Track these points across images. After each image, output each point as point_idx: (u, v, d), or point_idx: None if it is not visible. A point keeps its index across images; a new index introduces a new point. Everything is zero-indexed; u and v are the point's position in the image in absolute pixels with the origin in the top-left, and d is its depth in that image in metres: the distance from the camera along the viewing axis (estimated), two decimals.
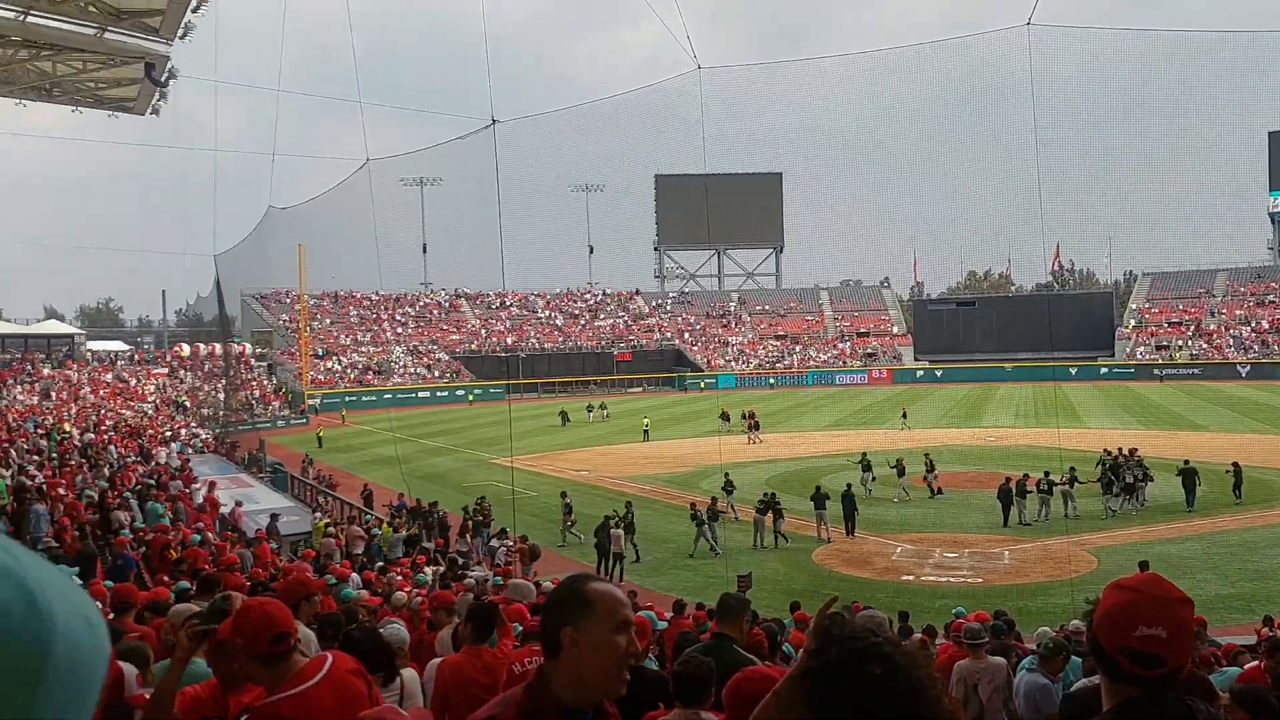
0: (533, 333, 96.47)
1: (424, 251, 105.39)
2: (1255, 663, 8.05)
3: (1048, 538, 25.06)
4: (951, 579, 21.90)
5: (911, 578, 22.13)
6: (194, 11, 20.84)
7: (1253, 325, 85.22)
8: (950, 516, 28.46)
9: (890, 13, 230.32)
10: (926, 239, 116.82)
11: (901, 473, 31.38)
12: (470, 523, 26.44)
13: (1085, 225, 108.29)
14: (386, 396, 76.07)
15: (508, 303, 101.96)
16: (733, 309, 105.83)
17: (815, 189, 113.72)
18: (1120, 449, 30.39)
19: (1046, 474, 27.42)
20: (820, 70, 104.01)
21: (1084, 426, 47.44)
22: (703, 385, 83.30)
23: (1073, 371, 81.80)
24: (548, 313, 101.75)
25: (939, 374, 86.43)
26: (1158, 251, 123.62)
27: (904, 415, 50.92)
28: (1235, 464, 28.72)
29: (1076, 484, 27.64)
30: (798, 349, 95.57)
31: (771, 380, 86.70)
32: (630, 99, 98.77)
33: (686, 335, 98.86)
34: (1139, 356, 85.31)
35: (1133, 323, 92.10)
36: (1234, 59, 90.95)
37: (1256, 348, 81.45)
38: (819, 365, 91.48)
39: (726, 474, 29.60)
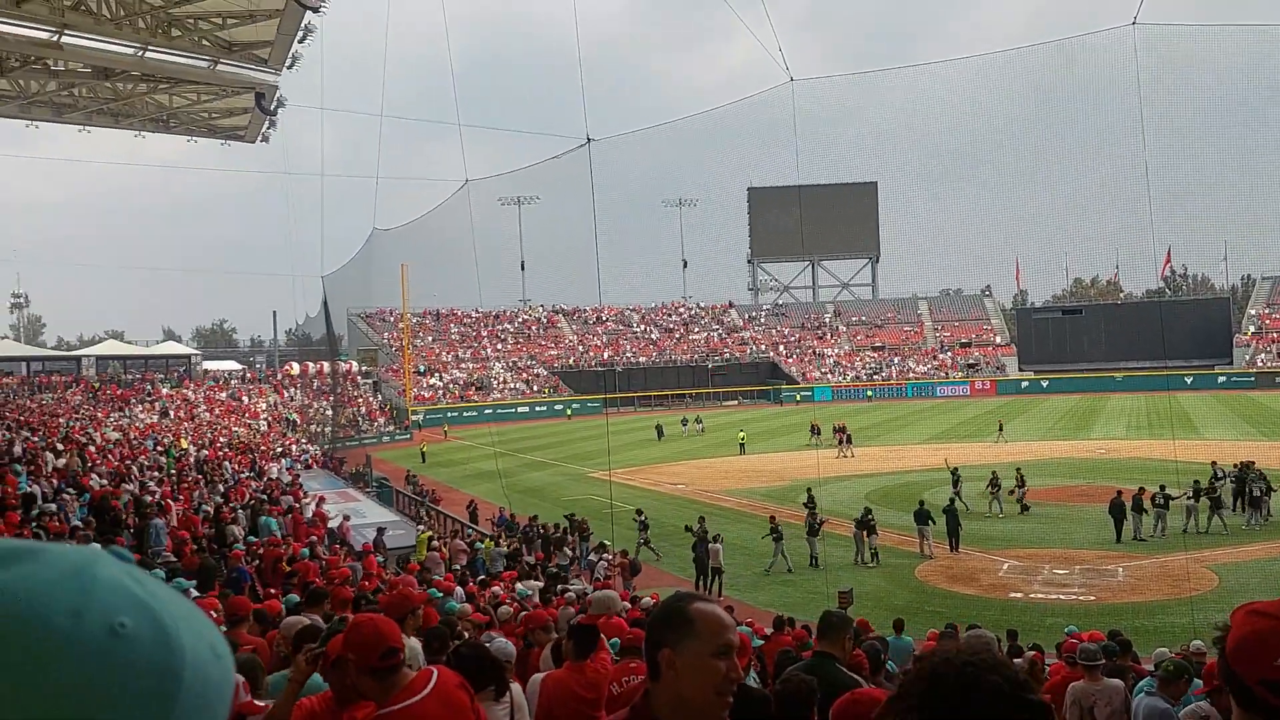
0: (628, 347, 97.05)
1: (522, 269, 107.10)
2: None
3: (1165, 554, 24.06)
4: (1062, 596, 21.19)
5: (1020, 595, 21.49)
6: (300, 42, 21.68)
7: None
8: (1058, 531, 27.56)
9: (985, 19, 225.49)
10: (1029, 246, 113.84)
11: (996, 487, 30.48)
12: (567, 536, 26.68)
13: (1198, 229, 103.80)
14: (487, 412, 77.39)
15: (604, 318, 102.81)
16: (828, 320, 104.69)
17: (911, 198, 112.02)
18: (1243, 462, 29.03)
19: (1163, 487, 26.33)
20: (914, 78, 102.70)
21: (1201, 438, 45.45)
22: (799, 398, 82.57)
23: (1188, 380, 78.48)
24: (643, 327, 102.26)
25: (1045, 385, 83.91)
26: (1278, 255, 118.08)
27: (1000, 429, 49.54)
28: None
29: (1197, 499, 26.47)
30: (896, 360, 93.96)
31: (870, 393, 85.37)
32: (722, 113, 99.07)
33: (781, 348, 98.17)
34: (1259, 364, 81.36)
35: (1252, 329, 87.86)
36: None
37: None
38: (919, 377, 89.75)
39: (809, 490, 29.04)
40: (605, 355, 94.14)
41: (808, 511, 26.62)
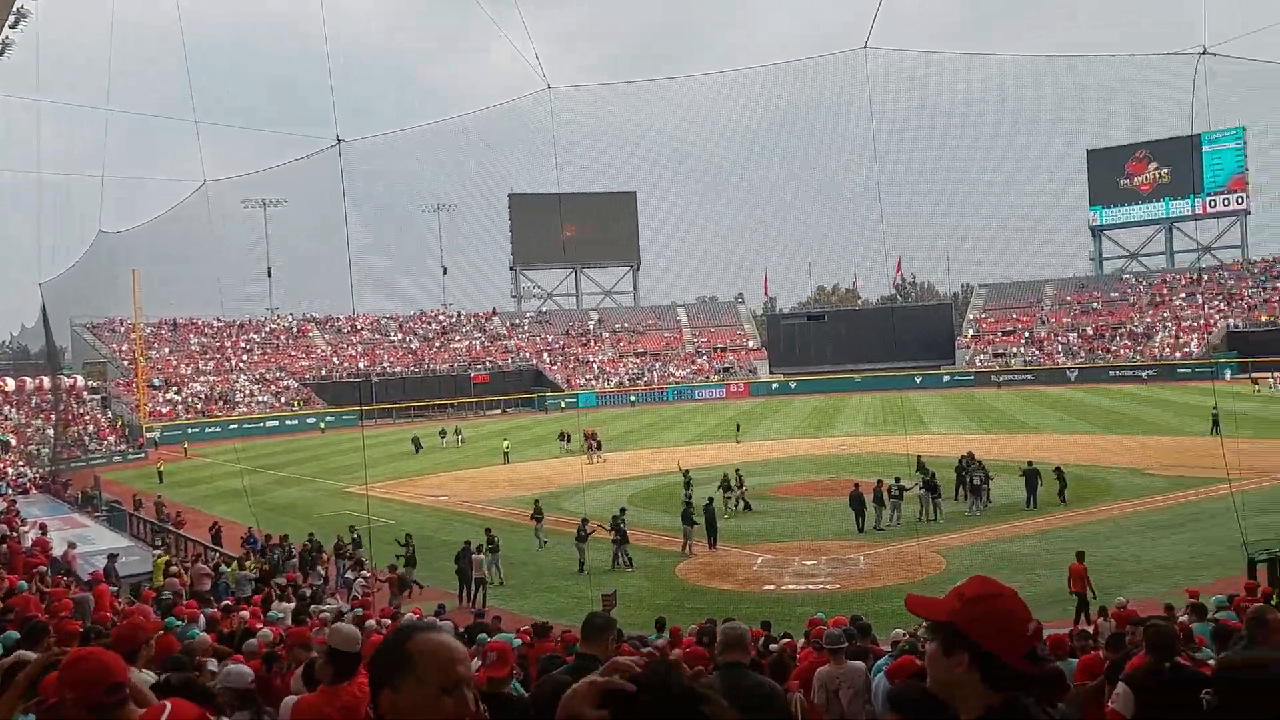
0: (385, 356, 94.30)
1: (269, 275, 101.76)
2: (1094, 652, 8.46)
3: (899, 542, 25.91)
4: (810, 586, 22.36)
5: (773, 587, 22.49)
6: (12, 28, 19.61)
7: (1078, 332, 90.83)
8: (807, 525, 29.11)
9: (740, 37, 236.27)
10: (777, 255, 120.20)
11: (728, 489, 31.46)
12: (334, 554, 25.54)
13: (925, 240, 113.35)
14: (232, 427, 72.94)
15: (359, 326, 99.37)
16: (592, 327, 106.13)
17: (669, 207, 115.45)
18: (970, 453, 31.82)
19: (897, 479, 28.40)
20: (671, 92, 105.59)
21: (930, 432, 49.45)
22: (563, 405, 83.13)
23: (918, 380, 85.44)
24: (401, 336, 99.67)
25: (793, 386, 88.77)
26: (992, 264, 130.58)
27: (738, 429, 52.08)
28: (1058, 469, 30.15)
29: (939, 489, 28.72)
30: (657, 365, 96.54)
31: (633, 398, 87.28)
32: (481, 118, 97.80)
33: (545, 355, 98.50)
34: (978, 364, 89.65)
35: (971, 332, 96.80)
36: (1057, 83, 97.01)
37: (1083, 353, 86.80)
38: (679, 381, 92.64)
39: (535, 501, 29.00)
40: (361, 365, 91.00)
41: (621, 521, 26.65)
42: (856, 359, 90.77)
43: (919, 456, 30.70)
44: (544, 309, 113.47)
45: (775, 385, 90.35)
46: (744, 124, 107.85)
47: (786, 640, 12.84)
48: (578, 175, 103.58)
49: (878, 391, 78.83)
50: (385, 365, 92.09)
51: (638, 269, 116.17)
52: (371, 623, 14.97)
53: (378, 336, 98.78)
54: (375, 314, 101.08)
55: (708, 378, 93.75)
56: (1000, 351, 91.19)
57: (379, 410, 78.36)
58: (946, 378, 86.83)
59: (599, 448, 46.80)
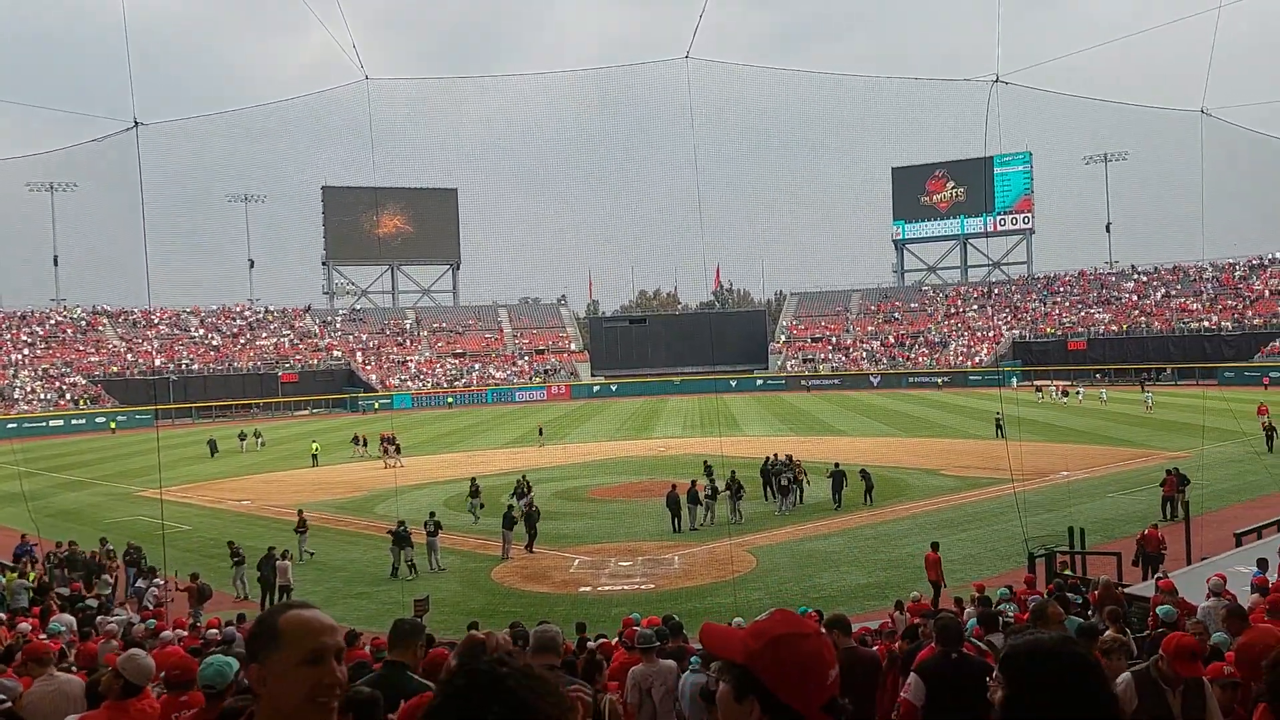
0: (185, 353, 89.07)
1: (55, 264, 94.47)
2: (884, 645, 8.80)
3: (713, 541, 26.45)
4: (626, 586, 22.49)
5: (589, 588, 22.49)
6: None
7: (881, 340, 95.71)
8: (624, 526, 29.30)
9: (567, 37, 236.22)
10: (601, 258, 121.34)
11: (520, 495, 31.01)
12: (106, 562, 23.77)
13: (742, 248, 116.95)
14: (10, 426, 67.16)
15: (155, 320, 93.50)
16: (409, 327, 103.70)
17: (492, 206, 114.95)
18: (777, 455, 32.87)
19: (711, 480, 28.98)
20: (495, 89, 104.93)
21: (744, 434, 50.86)
22: (377, 406, 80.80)
23: (733, 384, 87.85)
24: (202, 331, 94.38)
25: (614, 389, 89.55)
26: (803, 273, 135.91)
27: (540, 433, 52.01)
28: (864, 470, 31.59)
29: (742, 489, 29.49)
30: (477, 367, 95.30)
31: (450, 399, 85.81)
32: (294, 107, 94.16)
33: (359, 354, 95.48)
34: (789, 369, 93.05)
35: (783, 338, 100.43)
36: (866, 103, 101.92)
37: (885, 360, 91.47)
38: (499, 383, 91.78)
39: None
40: (157, 362, 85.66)
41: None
42: (676, 362, 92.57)
43: (705, 460, 31.58)
44: (358, 307, 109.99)
45: (597, 388, 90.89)
46: (569, 126, 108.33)
47: (602, 640, 12.83)
48: (396, 169, 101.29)
49: (696, 394, 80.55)
50: (185, 362, 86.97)
51: (458, 268, 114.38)
52: (168, 633, 14.04)
53: (177, 332, 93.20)
54: (174, 308, 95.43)
55: (529, 380, 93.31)
56: (810, 357, 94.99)
57: (176, 410, 74.00)
58: (760, 381, 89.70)
59: (397, 452, 45.28)
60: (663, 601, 20.15)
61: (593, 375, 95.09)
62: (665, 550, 25.88)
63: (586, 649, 11.20)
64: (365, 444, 48.59)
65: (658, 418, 65.80)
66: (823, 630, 2.04)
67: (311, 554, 26.38)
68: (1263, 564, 14.76)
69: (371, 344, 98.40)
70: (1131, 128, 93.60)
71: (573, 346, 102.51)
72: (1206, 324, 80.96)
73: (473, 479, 32.18)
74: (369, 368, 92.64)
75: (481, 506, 30.09)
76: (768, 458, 32.94)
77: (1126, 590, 14.72)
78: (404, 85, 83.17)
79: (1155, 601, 11.44)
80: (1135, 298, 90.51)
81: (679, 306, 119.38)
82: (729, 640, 1.93)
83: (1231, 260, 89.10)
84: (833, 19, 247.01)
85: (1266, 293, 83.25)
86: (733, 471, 29.95)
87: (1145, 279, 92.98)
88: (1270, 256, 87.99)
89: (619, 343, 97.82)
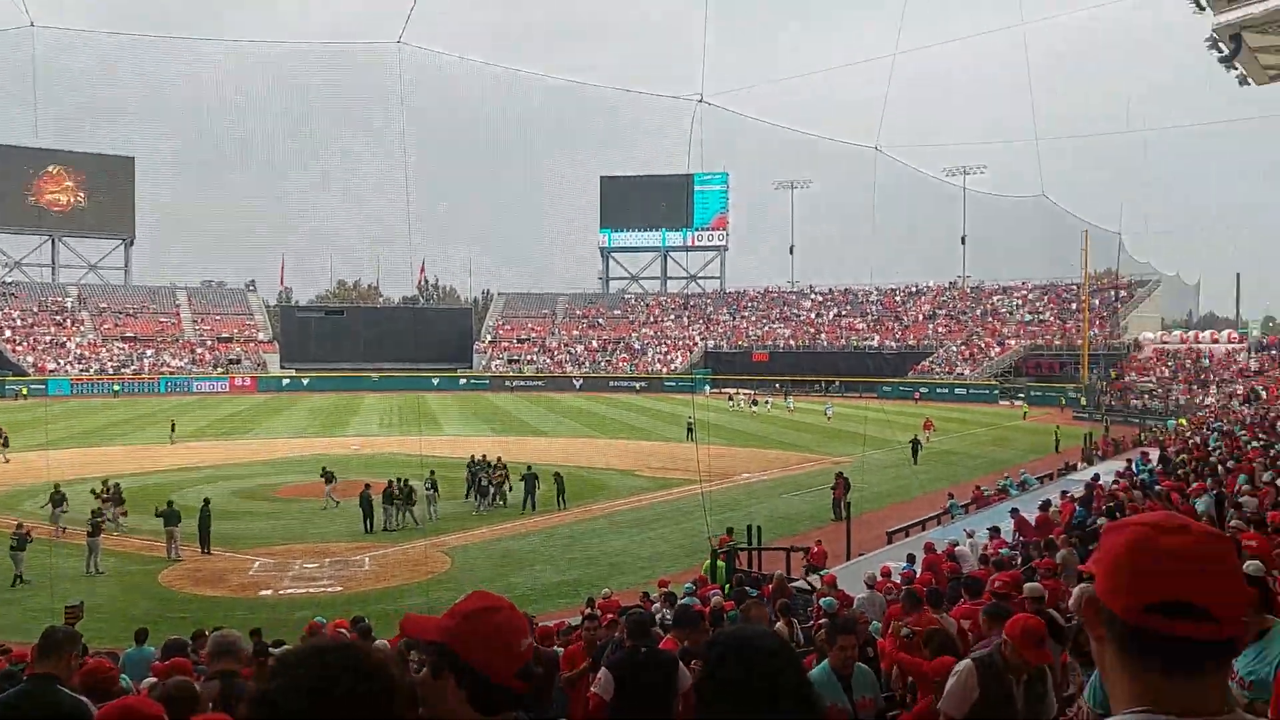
0: None
1: None
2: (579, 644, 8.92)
3: (407, 541, 25.83)
4: (311, 589, 21.44)
5: (270, 592, 21.24)
6: None
7: (585, 344, 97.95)
8: (312, 527, 27.97)
9: (280, 9, 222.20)
10: (297, 244, 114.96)
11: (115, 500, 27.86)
12: None
13: (450, 244, 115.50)
14: None
15: None
16: (70, 305, 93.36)
17: (176, 180, 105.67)
18: (484, 455, 32.66)
19: (405, 480, 28.29)
20: (189, 55, 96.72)
21: (444, 434, 50.16)
22: (26, 392, 72.06)
23: (435, 382, 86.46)
24: None
25: (306, 382, 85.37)
26: (511, 274, 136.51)
27: (173, 428, 48.14)
28: (558, 474, 31.94)
29: (436, 489, 29.01)
30: (150, 353, 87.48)
31: (116, 387, 78.23)
32: None
33: (8, 333, 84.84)
34: (493, 369, 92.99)
35: (489, 338, 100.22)
36: (582, 110, 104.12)
37: (588, 364, 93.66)
38: (174, 371, 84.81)
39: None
40: None
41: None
42: (375, 358, 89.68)
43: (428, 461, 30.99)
44: (9, 280, 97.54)
45: (286, 381, 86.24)
46: (269, 103, 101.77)
47: (285, 647, 12.09)
48: (63, 130, 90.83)
49: (395, 392, 78.49)
50: None
51: (131, 244, 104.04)
52: None
53: None
54: None
55: (210, 370, 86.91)
56: (515, 358, 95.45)
57: None
58: (463, 381, 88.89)
59: (5, 445, 40.41)
60: (351, 604, 19.37)
61: (282, 367, 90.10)
62: (356, 551, 24.96)
63: (267, 655, 10.49)
64: None
65: (353, 414, 63.46)
66: (513, 605, 2.07)
67: None
68: (910, 559, 16.43)
69: (24, 322, 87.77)
70: (816, 157, 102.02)
71: (261, 336, 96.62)
72: (871, 343, 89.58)
73: (56, 484, 27.44)
74: (20, 348, 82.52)
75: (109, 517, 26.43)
76: (473, 456, 32.65)
77: (794, 584, 15.85)
78: (83, 39, 74.86)
79: (819, 595, 12.38)
80: (812, 315, 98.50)
81: (380, 299, 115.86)
82: (427, 623, 2.01)
83: (893, 286, 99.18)
84: (553, 25, 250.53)
85: (920, 317, 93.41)
86: (431, 471, 29.42)
87: (821, 299, 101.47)
88: (926, 285, 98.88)
89: (313, 334, 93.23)
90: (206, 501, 25.53)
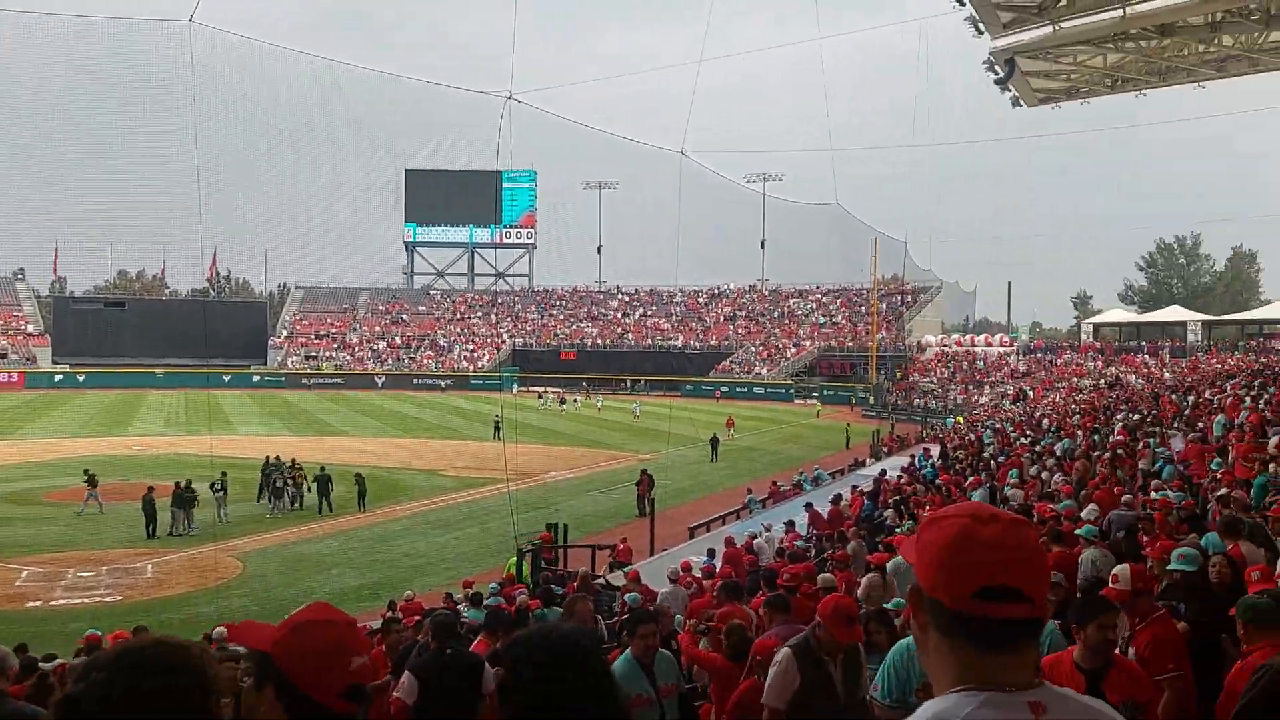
0: None
1: None
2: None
3: (195, 547, 24.50)
4: (87, 599, 20.00)
5: (40, 603, 19.66)
6: None
7: (388, 341, 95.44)
8: (87, 532, 26.06)
9: None
10: (73, 231, 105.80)
11: None
12: None
13: (243, 235, 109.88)
14: None
15: None
16: None
17: None
18: (278, 456, 31.28)
19: (189, 482, 26.79)
20: None
21: (236, 433, 47.79)
22: None
23: (226, 379, 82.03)
24: None
25: (81, 379, 79.28)
26: (310, 268, 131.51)
27: None
28: (359, 475, 31.04)
29: (225, 491, 27.60)
30: None
31: None
32: None
33: None
34: (290, 365, 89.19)
35: (285, 333, 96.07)
36: (387, 100, 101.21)
37: (391, 361, 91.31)
38: None
39: None
40: None
41: None
42: (161, 353, 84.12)
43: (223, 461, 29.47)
44: None
45: (59, 377, 79.77)
46: (41, 75, 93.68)
47: (59, 664, 11.24)
48: None
49: (182, 389, 73.95)
50: None
51: None
52: None
53: None
54: None
55: None
56: (313, 354, 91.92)
57: None
58: (257, 378, 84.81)
59: None
60: (133, 614, 18.23)
61: (54, 363, 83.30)
62: (137, 558, 23.45)
63: (37, 671, 9.72)
64: None
65: (134, 412, 59.46)
66: (354, 620, 2.02)
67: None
68: (711, 553, 16.98)
69: None
70: (624, 159, 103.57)
71: (30, 328, 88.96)
72: (675, 343, 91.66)
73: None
74: None
75: None
76: (267, 458, 31.23)
77: (599, 581, 16.09)
78: None
79: (624, 590, 12.63)
80: (619, 315, 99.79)
81: (166, 291, 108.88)
82: (260, 631, 1.92)
83: (696, 288, 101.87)
84: (359, 9, 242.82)
85: (720, 318, 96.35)
86: (223, 473, 27.98)
87: (628, 298, 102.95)
88: (727, 287, 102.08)
89: (90, 328, 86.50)
90: None
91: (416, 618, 11.33)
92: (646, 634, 5.82)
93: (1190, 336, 69.82)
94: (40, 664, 10.54)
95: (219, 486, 27.36)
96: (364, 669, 1.93)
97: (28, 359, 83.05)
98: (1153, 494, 12.14)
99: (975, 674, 1.56)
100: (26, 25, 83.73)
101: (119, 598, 20.22)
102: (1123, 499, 12.44)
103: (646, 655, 5.77)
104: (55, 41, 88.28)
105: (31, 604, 19.63)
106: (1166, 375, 51.82)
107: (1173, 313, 77.39)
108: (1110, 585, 5.60)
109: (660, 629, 6.45)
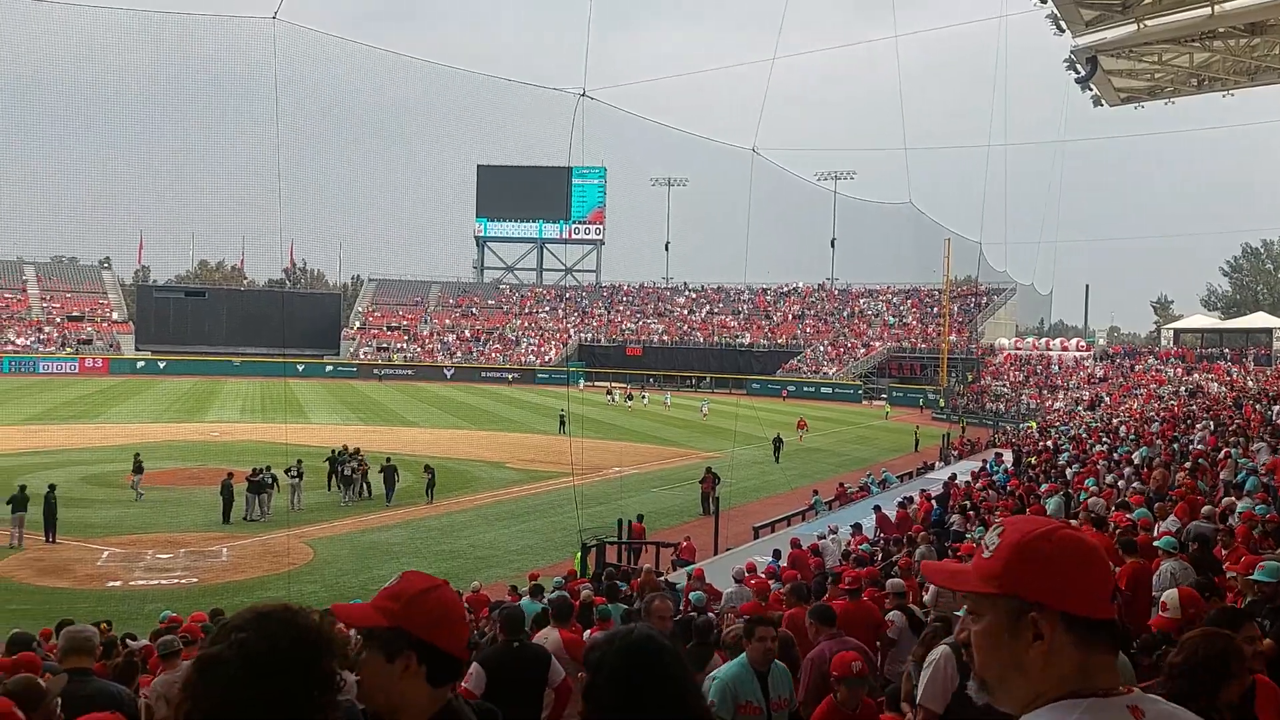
0: None
1: None
2: None
3: (268, 532, 25.07)
4: (164, 581, 20.61)
5: (119, 583, 20.31)
6: None
7: (457, 334, 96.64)
8: (166, 516, 26.86)
9: None
10: (155, 221, 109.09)
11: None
12: None
13: (320, 227, 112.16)
14: None
15: None
16: None
17: (21, 146, 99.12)
18: (345, 446, 31.87)
19: (268, 468, 27.44)
20: (45, 17, 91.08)
21: (310, 422, 48.81)
22: None
23: (300, 368, 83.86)
24: None
25: (162, 365, 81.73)
26: (384, 259, 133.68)
27: None
28: (429, 466, 31.43)
29: (301, 478, 28.16)
30: None
31: None
32: None
33: None
34: (362, 356, 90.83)
35: (357, 325, 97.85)
36: (460, 96, 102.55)
37: (459, 354, 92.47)
38: (18, 351, 79.92)
39: None
40: None
41: None
42: (238, 342, 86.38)
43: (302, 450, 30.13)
44: None
45: (142, 364, 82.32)
46: (130, 68, 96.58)
47: (144, 645, 11.63)
48: None
49: (258, 378, 75.81)
50: None
51: None
52: None
53: None
54: None
55: (58, 349, 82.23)
56: (384, 346, 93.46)
57: None
58: (330, 368, 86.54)
59: None
60: (206, 596, 18.76)
61: (137, 349, 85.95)
62: (213, 542, 24.09)
63: (119, 649, 10.07)
64: None
65: (213, 399, 61.09)
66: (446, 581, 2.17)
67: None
68: (776, 554, 16.88)
69: None
70: (694, 156, 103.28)
71: (115, 316, 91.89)
72: (742, 340, 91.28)
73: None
74: None
75: None
76: (333, 449, 31.84)
77: (664, 579, 16.10)
78: None
79: (688, 588, 12.62)
80: (685, 312, 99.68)
81: (245, 282, 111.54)
82: (366, 612, 2.04)
83: (765, 285, 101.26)
84: (432, 5, 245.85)
85: (789, 317, 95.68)
86: (299, 460, 28.59)
87: (695, 296, 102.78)
88: (794, 285, 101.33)
89: (172, 316, 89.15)
90: (52, 487, 24.15)
91: (484, 611, 11.47)
92: (765, 636, 5.50)
93: (1276, 344, 67.44)
94: (129, 642, 10.89)
95: (296, 473, 27.97)
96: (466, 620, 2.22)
97: (112, 345, 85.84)
98: (1238, 505, 11.76)
99: (1086, 679, 1.55)
100: (116, 21, 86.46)
101: (195, 580, 20.79)
102: (1203, 510, 12.08)
103: (764, 662, 5.48)
104: (142, 36, 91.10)
105: (111, 584, 20.29)
106: (1250, 384, 50.14)
107: (1258, 319, 74.83)
108: (1159, 614, 5.40)
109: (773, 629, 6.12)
